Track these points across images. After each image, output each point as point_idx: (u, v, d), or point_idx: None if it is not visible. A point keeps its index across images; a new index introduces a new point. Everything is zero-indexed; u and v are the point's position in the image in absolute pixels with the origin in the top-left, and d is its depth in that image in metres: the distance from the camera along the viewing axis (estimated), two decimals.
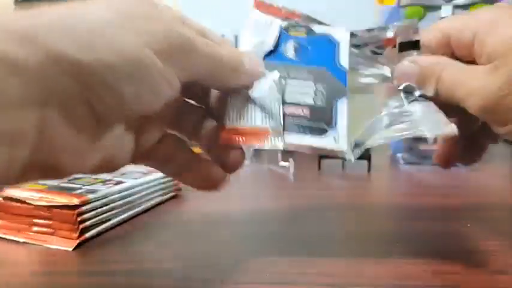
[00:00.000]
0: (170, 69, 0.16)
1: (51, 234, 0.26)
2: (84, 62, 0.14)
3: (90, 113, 0.15)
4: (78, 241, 0.25)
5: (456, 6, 0.47)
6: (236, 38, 1.10)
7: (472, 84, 0.20)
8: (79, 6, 0.16)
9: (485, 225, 0.28)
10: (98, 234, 0.27)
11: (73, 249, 0.24)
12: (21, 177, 0.15)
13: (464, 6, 0.47)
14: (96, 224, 0.27)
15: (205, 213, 0.33)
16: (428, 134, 0.19)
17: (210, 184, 0.21)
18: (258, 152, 0.67)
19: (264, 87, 0.21)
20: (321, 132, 0.20)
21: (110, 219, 0.28)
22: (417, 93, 0.22)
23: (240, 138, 0.20)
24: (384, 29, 0.24)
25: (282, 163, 0.53)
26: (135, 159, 0.20)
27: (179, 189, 0.38)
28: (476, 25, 0.21)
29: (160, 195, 0.35)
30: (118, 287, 0.20)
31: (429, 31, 0.23)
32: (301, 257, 0.23)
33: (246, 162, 0.20)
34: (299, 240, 0.26)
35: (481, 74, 0.20)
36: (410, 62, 0.23)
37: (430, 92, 0.21)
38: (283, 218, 0.32)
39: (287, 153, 0.55)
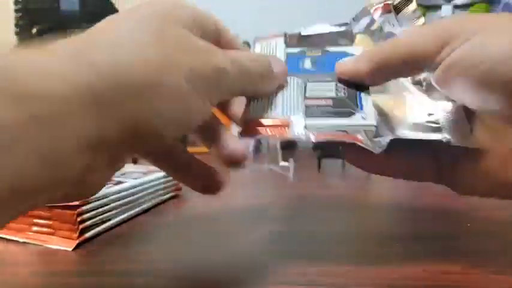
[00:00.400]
0: (204, 97, 0.17)
1: (51, 234, 0.26)
2: (136, 116, 0.14)
3: (128, 155, 0.16)
4: (78, 241, 0.25)
5: (456, 6, 0.47)
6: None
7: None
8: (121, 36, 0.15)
9: (485, 225, 0.28)
10: (98, 234, 0.27)
11: (73, 249, 0.24)
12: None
13: (464, 6, 0.47)
14: (96, 224, 0.27)
15: (205, 213, 0.33)
16: (455, 143, 0.19)
17: (210, 184, 0.21)
18: (258, 152, 0.67)
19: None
20: (348, 114, 0.20)
21: (109, 219, 0.28)
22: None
23: (263, 130, 0.20)
24: None
25: (282, 163, 0.53)
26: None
27: (179, 189, 0.38)
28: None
29: (160, 195, 0.35)
30: (118, 287, 0.20)
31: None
32: (301, 256, 0.23)
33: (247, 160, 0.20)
34: (299, 240, 0.26)
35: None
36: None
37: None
38: (283, 218, 0.32)
39: (287, 153, 0.55)
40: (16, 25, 0.47)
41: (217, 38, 0.20)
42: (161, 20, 0.16)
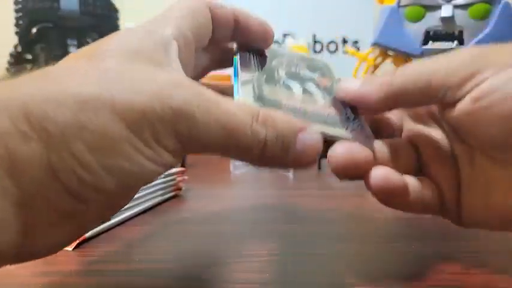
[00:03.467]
0: (162, 153, 0.14)
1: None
2: (55, 162, 0.13)
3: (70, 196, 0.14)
4: (78, 241, 0.25)
5: (456, 6, 0.47)
6: None
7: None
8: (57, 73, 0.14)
9: None
10: (98, 234, 0.27)
11: (73, 249, 0.24)
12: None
13: (464, 6, 0.47)
14: None
15: (205, 213, 0.33)
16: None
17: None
18: None
19: None
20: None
21: (109, 219, 0.28)
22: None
23: None
24: None
25: None
26: None
27: (179, 189, 0.38)
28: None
29: (161, 195, 0.35)
30: (118, 287, 0.20)
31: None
32: (302, 256, 0.23)
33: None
34: (299, 240, 0.26)
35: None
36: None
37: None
38: (284, 218, 0.32)
39: None
40: (16, 25, 0.47)
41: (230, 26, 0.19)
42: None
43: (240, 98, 0.19)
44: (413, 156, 0.22)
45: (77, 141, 0.13)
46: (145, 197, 0.33)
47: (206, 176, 0.48)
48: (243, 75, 0.20)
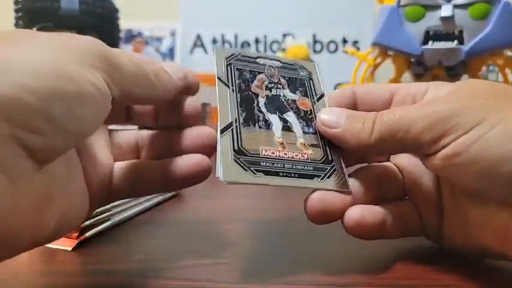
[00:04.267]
0: (99, 77, 0.15)
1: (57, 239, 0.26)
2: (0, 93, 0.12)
3: (26, 156, 0.13)
4: (78, 241, 0.25)
5: (456, 6, 0.47)
6: (236, 36, 1.11)
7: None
8: None
9: None
10: (98, 234, 0.27)
11: (73, 249, 0.24)
12: None
13: (464, 6, 0.47)
14: (96, 224, 0.27)
15: (205, 213, 0.33)
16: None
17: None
18: None
19: None
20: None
21: (109, 219, 0.28)
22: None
23: None
24: None
25: None
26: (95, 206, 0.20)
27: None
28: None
29: (161, 195, 0.35)
30: (118, 287, 0.20)
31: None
32: (302, 256, 0.23)
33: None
34: (299, 240, 0.26)
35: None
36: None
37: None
38: (284, 218, 0.32)
39: None
40: (16, 25, 0.47)
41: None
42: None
43: (221, 150, 0.20)
44: (399, 181, 0.23)
45: (16, 72, 0.13)
46: (145, 197, 0.33)
47: None
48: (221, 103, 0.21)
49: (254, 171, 0.19)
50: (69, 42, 0.15)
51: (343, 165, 0.22)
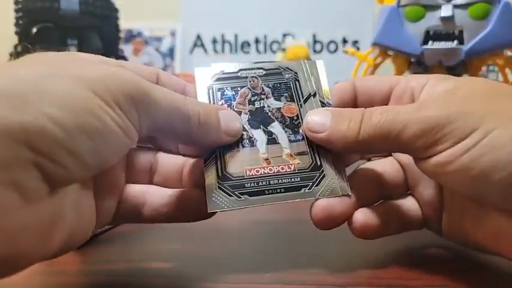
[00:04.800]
0: (124, 118, 0.15)
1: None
2: (27, 122, 0.12)
3: (43, 180, 0.13)
4: None
5: (456, 6, 0.47)
6: (236, 36, 1.11)
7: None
8: (5, 66, 0.14)
9: None
10: (98, 234, 0.27)
11: None
12: None
13: (464, 6, 0.47)
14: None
15: None
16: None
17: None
18: None
19: None
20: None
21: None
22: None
23: None
24: None
25: None
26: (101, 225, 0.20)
27: None
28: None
29: None
30: (118, 287, 0.20)
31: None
32: (302, 256, 0.23)
33: None
34: (300, 240, 0.26)
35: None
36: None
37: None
38: (284, 218, 0.31)
39: None
40: (16, 25, 0.47)
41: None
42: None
43: (206, 179, 0.20)
44: (401, 177, 0.23)
45: (45, 102, 0.13)
46: None
47: None
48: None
49: (239, 195, 0.20)
50: (103, 75, 0.15)
51: (340, 167, 0.21)
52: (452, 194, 0.21)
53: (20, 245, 0.13)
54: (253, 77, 0.24)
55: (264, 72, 0.24)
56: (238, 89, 0.23)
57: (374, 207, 0.22)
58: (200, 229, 0.29)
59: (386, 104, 0.22)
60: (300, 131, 0.22)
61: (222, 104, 0.22)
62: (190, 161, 0.22)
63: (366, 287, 0.20)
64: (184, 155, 0.23)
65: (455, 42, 0.48)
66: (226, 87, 0.23)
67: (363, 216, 0.21)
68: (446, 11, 0.47)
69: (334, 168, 0.21)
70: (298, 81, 0.24)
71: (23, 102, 0.13)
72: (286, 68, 0.24)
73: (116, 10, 0.52)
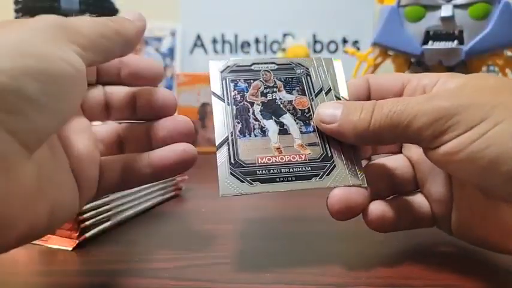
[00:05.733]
0: (64, 47, 0.15)
1: (51, 233, 0.26)
2: None
3: (13, 141, 0.13)
4: (78, 241, 0.25)
5: (456, 6, 0.47)
6: (236, 36, 1.11)
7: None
8: None
9: None
10: (98, 234, 0.27)
11: (73, 249, 0.24)
12: None
13: (464, 6, 0.47)
14: (96, 224, 0.27)
15: (205, 213, 0.33)
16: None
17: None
18: None
19: None
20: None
21: (109, 219, 0.28)
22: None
23: None
24: None
25: None
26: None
27: (179, 189, 0.38)
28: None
29: (161, 195, 0.35)
30: (118, 287, 0.20)
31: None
32: (302, 256, 0.23)
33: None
34: (300, 240, 0.26)
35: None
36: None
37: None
38: (284, 218, 0.32)
39: None
40: None
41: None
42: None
43: (219, 164, 0.21)
44: (411, 174, 0.23)
45: None
46: (145, 197, 0.33)
47: (206, 176, 0.48)
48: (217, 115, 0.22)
49: (250, 181, 0.20)
50: (34, 23, 0.16)
51: (353, 159, 0.21)
52: (462, 190, 0.21)
53: (2, 216, 0.13)
54: (266, 70, 0.24)
55: (277, 66, 0.25)
56: (251, 81, 0.24)
57: (388, 200, 0.22)
58: (200, 229, 0.29)
59: None
60: (311, 123, 0.23)
61: (235, 95, 0.23)
62: (141, 91, 0.23)
63: (366, 287, 0.20)
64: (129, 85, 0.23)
65: (455, 42, 0.48)
66: (239, 79, 0.24)
67: (379, 208, 0.21)
68: (446, 11, 0.47)
69: (345, 159, 0.21)
70: (309, 76, 0.24)
71: None
72: (298, 63, 0.25)
73: (116, 10, 0.52)
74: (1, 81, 0.13)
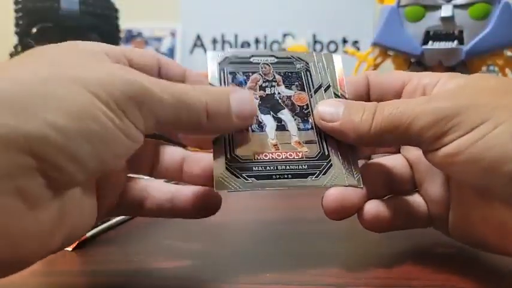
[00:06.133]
0: (126, 120, 0.15)
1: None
2: (29, 130, 0.12)
3: (47, 186, 0.13)
4: (78, 241, 0.25)
5: (456, 6, 0.47)
6: (236, 36, 1.11)
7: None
8: (4, 65, 0.14)
9: None
10: (98, 234, 0.27)
11: (73, 249, 0.24)
12: None
13: (464, 6, 0.47)
14: (96, 224, 0.27)
15: None
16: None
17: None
18: None
19: None
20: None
21: (109, 219, 0.28)
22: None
23: None
24: None
25: None
26: (101, 217, 0.20)
27: None
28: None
29: None
30: (118, 287, 0.20)
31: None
32: (302, 256, 0.23)
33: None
34: (300, 240, 0.26)
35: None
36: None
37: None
38: (284, 218, 0.32)
39: None
40: (16, 25, 0.47)
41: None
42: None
43: (214, 159, 0.20)
44: (409, 174, 0.23)
45: (45, 107, 0.13)
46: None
47: None
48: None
49: (246, 177, 0.20)
50: (104, 79, 0.15)
51: (350, 159, 0.21)
52: (460, 191, 0.21)
53: (22, 250, 0.13)
54: (265, 63, 0.24)
55: (276, 60, 0.24)
56: (250, 74, 0.23)
57: (384, 200, 0.22)
58: (200, 229, 0.29)
59: (399, 98, 0.22)
60: (310, 120, 0.22)
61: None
62: (191, 154, 0.22)
63: (366, 287, 0.20)
64: (184, 146, 0.23)
65: (456, 42, 0.48)
66: (238, 72, 0.23)
67: (374, 207, 0.21)
68: (446, 11, 0.47)
69: (342, 158, 0.21)
70: (309, 71, 0.24)
71: (23, 108, 0.12)
72: (298, 58, 0.24)
73: (116, 10, 0.52)
74: (57, 140, 0.13)
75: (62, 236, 0.15)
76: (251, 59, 0.24)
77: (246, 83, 0.23)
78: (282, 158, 0.21)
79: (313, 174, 0.20)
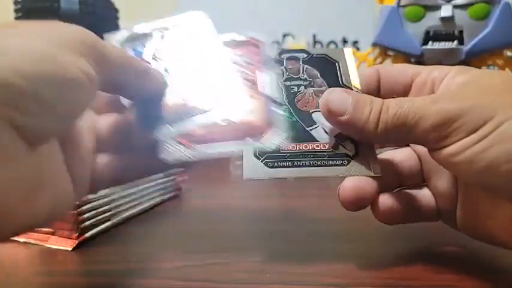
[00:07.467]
0: (83, 62, 0.16)
1: (51, 234, 0.26)
2: None
3: (18, 136, 0.14)
4: (78, 241, 0.25)
5: (456, 6, 0.47)
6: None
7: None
8: None
9: None
10: (98, 234, 0.27)
11: (73, 249, 0.24)
12: None
13: (464, 6, 0.47)
14: (96, 224, 0.27)
15: (205, 213, 0.33)
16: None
17: None
18: None
19: None
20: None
21: (109, 219, 0.28)
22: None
23: None
24: None
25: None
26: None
27: (179, 189, 0.38)
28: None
29: (161, 195, 0.35)
30: (118, 287, 0.20)
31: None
32: (302, 256, 0.23)
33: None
34: (299, 240, 0.26)
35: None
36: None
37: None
38: (284, 218, 0.32)
39: None
40: None
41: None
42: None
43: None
44: (418, 168, 0.24)
45: (6, 56, 0.13)
46: (145, 197, 0.33)
47: (206, 176, 0.48)
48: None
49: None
50: (58, 30, 0.16)
51: (366, 150, 0.22)
52: (466, 187, 0.21)
53: (4, 203, 0.13)
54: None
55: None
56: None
57: (395, 193, 0.22)
58: (200, 229, 0.29)
59: (408, 92, 0.22)
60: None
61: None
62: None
63: (366, 287, 0.20)
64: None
65: (455, 42, 0.48)
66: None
67: (388, 201, 0.21)
68: (446, 11, 0.47)
69: (363, 149, 0.22)
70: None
71: None
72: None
73: (116, 10, 0.52)
74: (21, 85, 0.13)
75: (43, 198, 0.16)
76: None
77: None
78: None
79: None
